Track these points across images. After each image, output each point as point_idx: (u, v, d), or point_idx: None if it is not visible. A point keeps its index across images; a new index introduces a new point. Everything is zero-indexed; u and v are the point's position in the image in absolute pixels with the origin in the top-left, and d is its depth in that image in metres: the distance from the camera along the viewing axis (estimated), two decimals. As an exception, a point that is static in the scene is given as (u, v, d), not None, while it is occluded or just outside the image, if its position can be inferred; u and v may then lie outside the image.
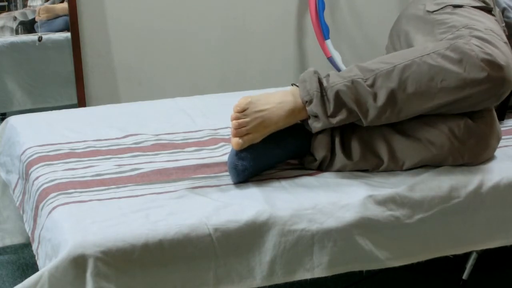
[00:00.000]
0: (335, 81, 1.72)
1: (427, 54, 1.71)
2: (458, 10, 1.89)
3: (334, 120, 1.72)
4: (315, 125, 1.73)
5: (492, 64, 1.68)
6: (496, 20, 1.94)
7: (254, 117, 1.69)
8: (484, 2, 1.97)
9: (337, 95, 1.71)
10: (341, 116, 1.72)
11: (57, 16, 2.92)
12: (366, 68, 1.74)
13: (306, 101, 1.72)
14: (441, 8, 1.93)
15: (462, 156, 1.75)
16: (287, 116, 1.72)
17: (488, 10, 1.94)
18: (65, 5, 2.89)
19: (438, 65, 1.70)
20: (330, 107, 1.71)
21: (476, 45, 1.70)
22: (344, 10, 3.31)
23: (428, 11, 1.95)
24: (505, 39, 1.80)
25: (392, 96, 1.70)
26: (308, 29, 3.23)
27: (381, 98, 1.71)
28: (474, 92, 1.69)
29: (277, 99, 1.72)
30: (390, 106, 1.71)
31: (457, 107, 1.72)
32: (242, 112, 1.68)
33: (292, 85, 1.79)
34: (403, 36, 2.03)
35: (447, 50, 1.71)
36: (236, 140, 1.67)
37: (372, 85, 1.71)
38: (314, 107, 1.71)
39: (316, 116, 1.72)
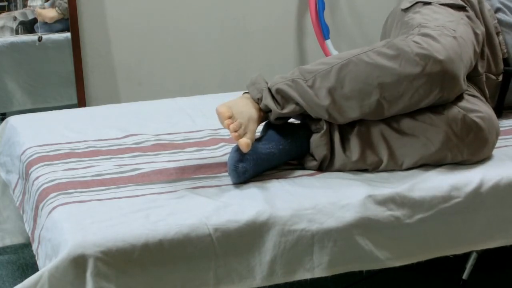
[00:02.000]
0: (277, 81, 1.79)
1: (364, 53, 1.74)
2: (423, 8, 1.93)
3: (284, 111, 1.77)
4: (270, 118, 1.79)
5: (427, 58, 1.69)
6: (467, 15, 1.94)
7: (242, 117, 1.72)
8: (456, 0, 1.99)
9: (279, 92, 1.77)
10: (289, 108, 1.77)
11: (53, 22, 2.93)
12: (307, 70, 1.79)
13: (258, 99, 1.78)
14: (412, 5, 1.98)
15: (461, 153, 1.75)
16: (258, 115, 1.77)
17: (457, 6, 1.95)
18: (51, 13, 2.89)
19: (373, 62, 1.72)
20: (278, 101, 1.77)
21: (414, 41, 1.71)
22: (344, 10, 3.31)
23: (402, 10, 1.99)
24: (458, 34, 1.78)
25: (331, 95, 1.74)
26: (308, 29, 3.23)
27: (322, 97, 1.74)
28: (414, 87, 1.70)
29: (242, 103, 1.78)
30: (331, 105, 1.74)
31: (401, 104, 1.73)
32: (230, 117, 1.70)
33: (243, 94, 1.84)
34: (388, 36, 2.07)
35: (383, 48, 1.74)
36: (244, 140, 1.68)
37: (312, 86, 1.76)
38: (265, 101, 1.77)
39: (270, 111, 1.78)
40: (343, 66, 1.74)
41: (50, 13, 2.90)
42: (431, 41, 1.71)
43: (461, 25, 1.85)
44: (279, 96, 1.77)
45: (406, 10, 1.98)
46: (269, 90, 1.79)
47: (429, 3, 1.94)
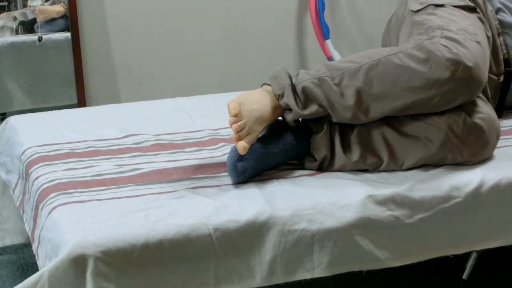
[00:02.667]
0: (303, 78, 1.76)
1: (394, 54, 1.73)
2: (438, 10, 1.91)
3: (305, 112, 1.75)
4: (288, 117, 1.76)
5: (457, 64, 1.68)
6: (479, 17, 1.94)
7: (249, 116, 1.70)
8: (467, 0, 1.98)
9: (304, 90, 1.74)
10: (311, 109, 1.75)
11: (54, 18, 2.92)
12: (334, 67, 1.76)
13: (279, 95, 1.75)
14: (424, 7, 1.96)
15: (461, 154, 1.75)
16: (272, 112, 1.75)
17: (470, 8, 1.95)
18: (58, 8, 2.89)
19: (403, 65, 1.71)
20: (301, 100, 1.75)
21: (443, 45, 1.70)
22: (344, 10, 3.31)
23: (411, 11, 1.98)
24: (480, 39, 1.79)
25: (358, 95, 1.72)
26: (308, 29, 3.23)
27: (348, 97, 1.73)
28: (441, 92, 1.70)
29: (258, 97, 1.75)
30: (357, 105, 1.73)
31: (428, 106, 1.73)
32: (237, 115, 1.69)
33: (262, 85, 1.81)
34: (392, 35, 2.06)
35: (413, 50, 1.72)
36: (242, 144, 1.67)
37: (339, 84, 1.73)
38: (286, 99, 1.74)
39: (289, 109, 1.75)
40: (372, 66, 1.72)
41: (58, 8, 2.90)
42: (458, 46, 1.70)
43: (479, 28, 1.86)
44: (304, 95, 1.74)
45: (417, 11, 1.96)
46: (293, 88, 1.76)
47: (442, 5, 1.93)
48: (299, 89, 1.75)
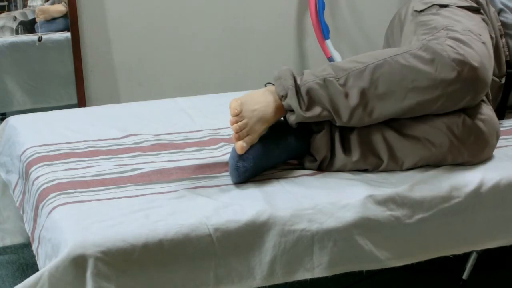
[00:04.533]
0: (308, 79, 1.75)
1: (399, 54, 1.72)
2: (442, 11, 1.91)
3: (308, 114, 1.73)
4: (290, 118, 1.75)
5: (463, 64, 1.68)
6: (483, 18, 1.94)
7: (250, 117, 1.69)
8: (471, 1, 1.98)
9: (309, 92, 1.73)
10: (315, 111, 1.74)
11: (54, 18, 2.92)
12: (339, 67, 1.75)
13: (282, 96, 1.74)
14: (428, 7, 1.95)
15: (461, 155, 1.75)
16: (275, 112, 1.74)
17: (474, 9, 1.95)
18: (60, 7, 2.89)
19: (409, 65, 1.70)
20: (304, 102, 1.74)
21: (449, 45, 1.70)
22: (344, 10, 3.31)
23: (415, 11, 1.97)
24: (485, 39, 1.79)
25: (363, 96, 1.72)
26: (308, 29, 3.23)
27: (353, 97, 1.72)
28: (447, 92, 1.70)
29: (260, 97, 1.74)
30: (362, 106, 1.72)
31: (433, 108, 1.73)
32: (238, 114, 1.68)
33: (265, 85, 1.80)
34: (395, 35, 2.06)
35: (419, 50, 1.72)
36: (240, 143, 1.67)
37: (344, 84, 1.73)
38: (289, 100, 1.73)
39: (292, 110, 1.74)
40: (378, 66, 1.72)
41: (59, 7, 2.90)
42: (464, 46, 1.70)
43: (483, 29, 1.86)
44: (308, 97, 1.73)
45: (421, 11, 1.96)
46: (297, 89, 1.75)
47: (446, 6, 1.92)
48: (303, 90, 1.74)
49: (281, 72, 1.78)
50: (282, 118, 1.79)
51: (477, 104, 1.78)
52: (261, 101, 1.73)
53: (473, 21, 1.86)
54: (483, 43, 1.76)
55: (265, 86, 1.81)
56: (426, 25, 1.86)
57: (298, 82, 1.75)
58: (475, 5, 1.97)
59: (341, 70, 1.75)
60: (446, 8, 1.91)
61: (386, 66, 1.72)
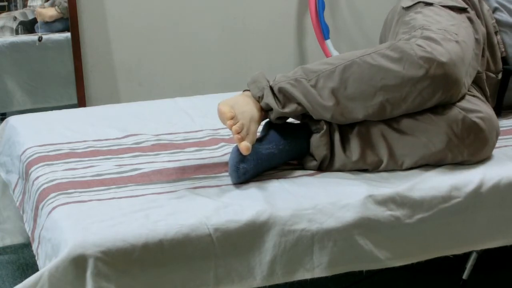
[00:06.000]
0: (280, 80, 1.79)
1: (368, 54, 1.74)
2: (425, 9, 1.93)
3: (285, 110, 1.76)
4: (271, 116, 1.78)
5: (430, 61, 1.69)
6: (469, 17, 1.95)
7: (243, 118, 1.72)
8: (459, 0, 1.99)
9: (281, 90, 1.77)
10: (291, 107, 1.77)
11: (53, 20, 2.92)
12: (310, 69, 1.78)
13: (259, 97, 1.78)
14: (414, 4, 1.98)
15: (461, 153, 1.75)
16: (259, 113, 1.77)
17: (458, 9, 1.95)
18: (51, 12, 2.89)
19: (377, 64, 1.72)
20: (279, 100, 1.77)
21: (417, 45, 1.72)
22: (344, 10, 3.31)
23: (403, 8, 2.00)
24: (461, 38, 1.78)
25: (334, 96, 1.73)
26: (308, 29, 3.23)
27: (325, 98, 1.74)
28: (416, 90, 1.71)
29: (243, 101, 1.77)
30: (334, 106, 1.74)
31: (403, 106, 1.73)
32: (233, 117, 1.70)
33: (243, 92, 1.83)
34: (387, 33, 2.09)
35: (387, 50, 1.74)
36: (245, 144, 1.68)
37: (314, 86, 1.75)
38: (266, 99, 1.76)
39: (271, 110, 1.77)
40: (347, 67, 1.74)
41: (50, 12, 2.90)
42: (434, 45, 1.71)
43: (463, 29, 1.86)
44: (281, 95, 1.77)
45: (407, 8, 1.98)
46: (271, 88, 1.78)
47: (431, 4, 1.94)
48: (276, 89, 1.77)
49: (255, 76, 1.83)
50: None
51: (476, 102, 1.78)
52: (245, 103, 1.76)
53: (454, 21, 1.87)
54: (457, 42, 1.76)
55: (243, 92, 1.83)
56: (406, 24, 1.89)
57: (271, 83, 1.79)
58: (461, 4, 1.98)
59: (311, 72, 1.77)
60: (430, 7, 1.94)
61: (355, 66, 1.73)
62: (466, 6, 1.99)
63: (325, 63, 1.78)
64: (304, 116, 1.81)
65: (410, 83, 1.70)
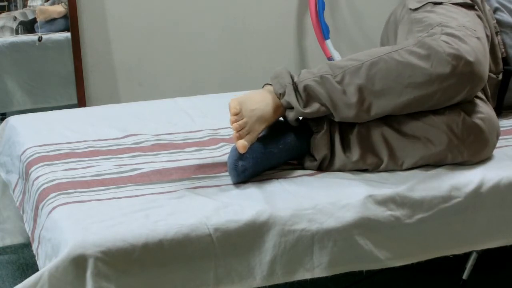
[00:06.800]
0: (305, 77, 1.76)
1: (395, 51, 1.74)
2: (436, 8, 1.92)
3: (307, 110, 1.75)
4: (289, 116, 1.76)
5: (459, 59, 1.69)
6: (478, 15, 1.95)
7: (250, 116, 1.70)
8: None
9: (306, 88, 1.75)
10: (313, 107, 1.75)
11: (54, 18, 2.92)
12: (336, 65, 1.77)
13: (280, 94, 1.76)
14: (422, 5, 1.97)
15: (461, 154, 1.75)
16: (274, 112, 1.75)
17: (468, 6, 1.95)
18: (59, 8, 2.89)
19: (405, 61, 1.71)
20: (302, 98, 1.75)
21: (444, 41, 1.71)
22: (344, 10, 3.31)
23: (410, 9, 1.99)
24: (479, 35, 1.80)
25: (360, 93, 1.73)
26: (308, 29, 3.23)
27: (350, 94, 1.73)
28: (443, 87, 1.71)
29: (259, 97, 1.75)
30: (359, 103, 1.73)
31: (429, 103, 1.73)
32: (238, 114, 1.69)
33: (263, 86, 1.81)
34: (390, 34, 2.07)
35: (414, 47, 1.73)
36: (241, 142, 1.68)
37: (340, 82, 1.74)
38: (288, 97, 1.74)
39: (291, 108, 1.75)
40: (374, 63, 1.73)
41: (59, 8, 2.90)
42: (459, 42, 1.71)
43: (478, 25, 1.87)
44: (305, 93, 1.75)
45: (416, 9, 1.97)
46: (295, 86, 1.76)
47: (440, 3, 1.94)
48: (301, 87, 1.75)
49: (278, 71, 1.80)
50: (281, 118, 1.80)
51: (476, 102, 1.78)
52: (260, 100, 1.74)
53: (468, 17, 1.87)
54: (478, 38, 1.76)
55: (263, 87, 1.81)
56: (421, 23, 1.87)
57: (295, 80, 1.77)
58: (469, 1, 1.98)
59: (338, 68, 1.76)
60: (440, 6, 1.93)
61: (382, 63, 1.72)
62: (474, 4, 1.99)
63: (351, 59, 1.76)
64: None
65: (437, 80, 1.70)
